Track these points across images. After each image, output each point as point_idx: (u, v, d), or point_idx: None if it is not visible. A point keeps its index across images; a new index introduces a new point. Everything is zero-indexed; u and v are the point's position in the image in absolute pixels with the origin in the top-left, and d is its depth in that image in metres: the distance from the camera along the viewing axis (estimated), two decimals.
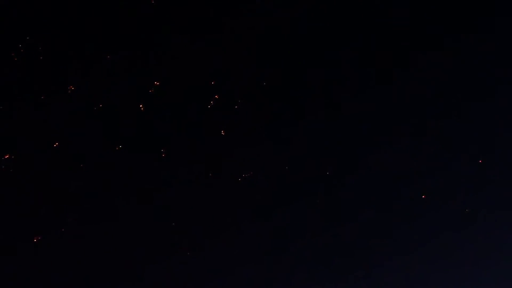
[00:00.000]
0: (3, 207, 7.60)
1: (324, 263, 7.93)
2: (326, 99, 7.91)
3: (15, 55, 7.54)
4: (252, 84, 7.85)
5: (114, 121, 7.71)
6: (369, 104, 7.91)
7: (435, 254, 7.94)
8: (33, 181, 7.66)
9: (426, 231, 7.97)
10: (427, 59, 7.90)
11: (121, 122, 7.73)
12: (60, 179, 7.70)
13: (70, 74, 7.55)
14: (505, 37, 7.92)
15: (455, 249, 7.93)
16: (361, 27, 7.85)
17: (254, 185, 7.88)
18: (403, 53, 7.87)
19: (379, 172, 7.94)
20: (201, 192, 7.86)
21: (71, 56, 7.59)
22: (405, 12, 7.83)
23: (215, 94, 7.81)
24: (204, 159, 7.86)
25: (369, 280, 7.92)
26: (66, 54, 7.59)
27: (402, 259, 7.94)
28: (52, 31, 7.54)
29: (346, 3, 7.76)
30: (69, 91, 7.61)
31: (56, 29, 7.56)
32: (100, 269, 7.68)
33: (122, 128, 7.74)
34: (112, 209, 7.76)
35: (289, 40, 7.83)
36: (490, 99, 7.95)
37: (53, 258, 7.65)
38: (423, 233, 7.97)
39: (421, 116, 7.96)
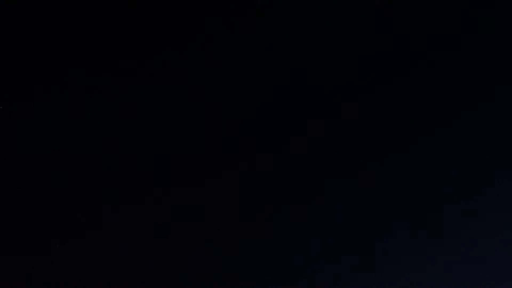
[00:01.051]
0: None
1: (324, 265, 7.94)
2: (328, 99, 7.92)
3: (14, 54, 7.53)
4: (252, 83, 7.85)
5: (112, 121, 7.71)
6: (370, 105, 7.92)
7: (437, 256, 7.96)
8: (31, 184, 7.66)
9: (427, 232, 7.99)
10: (429, 60, 7.91)
11: (119, 122, 7.74)
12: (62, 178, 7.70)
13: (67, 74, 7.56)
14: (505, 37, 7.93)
15: (458, 249, 7.95)
16: (362, 26, 7.86)
17: (254, 185, 7.89)
18: (405, 53, 7.88)
19: (380, 173, 7.95)
20: (200, 192, 7.87)
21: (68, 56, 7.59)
22: (408, 11, 7.84)
23: (214, 93, 7.81)
24: (203, 159, 7.86)
25: (370, 281, 7.94)
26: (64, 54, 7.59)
27: (405, 260, 7.96)
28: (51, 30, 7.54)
29: (345, 4, 7.78)
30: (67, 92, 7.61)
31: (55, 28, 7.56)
32: (102, 273, 7.68)
33: (119, 128, 7.74)
34: (112, 209, 7.76)
35: (289, 40, 7.83)
36: (492, 100, 7.97)
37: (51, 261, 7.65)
38: (424, 234, 7.99)
39: (422, 116, 7.97)
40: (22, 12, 7.47)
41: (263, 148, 7.87)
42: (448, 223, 7.95)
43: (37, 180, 7.66)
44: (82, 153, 7.70)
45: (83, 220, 7.71)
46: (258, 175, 7.85)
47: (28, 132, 7.63)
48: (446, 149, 7.97)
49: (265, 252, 7.91)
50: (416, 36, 7.91)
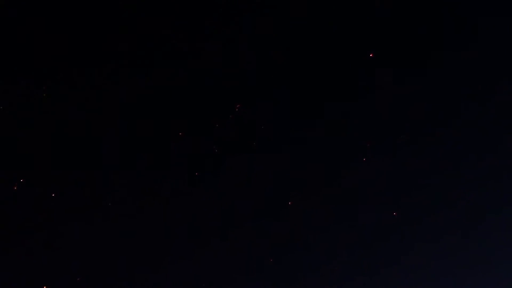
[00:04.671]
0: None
1: (326, 265, 7.95)
2: (329, 100, 7.93)
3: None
4: (254, 83, 7.87)
5: (112, 121, 7.73)
6: (371, 105, 7.94)
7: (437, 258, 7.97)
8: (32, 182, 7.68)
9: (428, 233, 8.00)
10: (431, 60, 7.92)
11: (118, 122, 7.75)
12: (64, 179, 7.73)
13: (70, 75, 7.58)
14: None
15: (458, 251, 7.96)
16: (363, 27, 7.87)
17: (255, 186, 7.90)
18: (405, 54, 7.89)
19: (381, 173, 7.97)
20: (201, 192, 7.88)
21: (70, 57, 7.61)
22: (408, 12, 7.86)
23: (215, 93, 7.82)
24: (203, 158, 7.87)
25: (371, 281, 7.95)
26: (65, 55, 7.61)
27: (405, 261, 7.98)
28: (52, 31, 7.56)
29: (347, 5, 7.78)
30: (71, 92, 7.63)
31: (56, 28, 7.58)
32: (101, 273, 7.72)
33: (118, 128, 7.76)
34: (112, 210, 7.78)
35: (289, 40, 7.84)
36: (492, 101, 7.97)
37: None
38: (425, 235, 8.00)
39: (423, 118, 7.98)
40: (22, 12, 7.50)
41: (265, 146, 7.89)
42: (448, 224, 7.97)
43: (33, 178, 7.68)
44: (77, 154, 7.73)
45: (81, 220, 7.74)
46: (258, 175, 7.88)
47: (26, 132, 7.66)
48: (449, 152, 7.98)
49: (266, 253, 7.93)
50: (419, 37, 7.92)
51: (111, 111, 7.72)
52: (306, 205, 7.93)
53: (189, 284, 7.83)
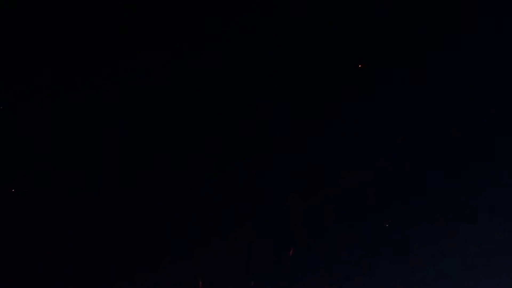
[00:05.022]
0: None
1: (326, 266, 7.94)
2: (329, 100, 7.91)
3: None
4: (254, 82, 7.85)
5: (112, 121, 7.72)
6: (373, 106, 7.92)
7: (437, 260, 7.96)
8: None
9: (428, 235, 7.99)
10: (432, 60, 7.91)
11: (118, 122, 7.74)
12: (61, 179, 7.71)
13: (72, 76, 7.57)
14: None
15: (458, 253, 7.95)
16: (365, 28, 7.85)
17: (255, 186, 7.89)
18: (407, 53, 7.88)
19: (382, 174, 7.95)
20: (201, 192, 7.87)
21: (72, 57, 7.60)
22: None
23: (215, 93, 7.81)
24: (203, 159, 7.86)
25: (371, 282, 7.94)
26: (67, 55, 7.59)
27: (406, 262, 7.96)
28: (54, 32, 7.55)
29: (347, 5, 7.77)
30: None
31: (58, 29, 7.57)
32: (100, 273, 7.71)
33: (118, 128, 7.75)
34: (112, 210, 7.77)
35: (288, 40, 7.83)
36: (492, 101, 7.96)
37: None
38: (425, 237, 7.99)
39: (424, 120, 7.97)
40: (22, 12, 7.49)
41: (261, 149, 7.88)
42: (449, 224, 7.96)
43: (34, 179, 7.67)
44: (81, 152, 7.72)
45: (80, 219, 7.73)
46: (255, 176, 7.87)
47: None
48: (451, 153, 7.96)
49: (266, 253, 7.92)
50: (419, 37, 7.91)
51: (111, 111, 7.71)
52: (306, 205, 7.92)
53: (189, 284, 7.82)
